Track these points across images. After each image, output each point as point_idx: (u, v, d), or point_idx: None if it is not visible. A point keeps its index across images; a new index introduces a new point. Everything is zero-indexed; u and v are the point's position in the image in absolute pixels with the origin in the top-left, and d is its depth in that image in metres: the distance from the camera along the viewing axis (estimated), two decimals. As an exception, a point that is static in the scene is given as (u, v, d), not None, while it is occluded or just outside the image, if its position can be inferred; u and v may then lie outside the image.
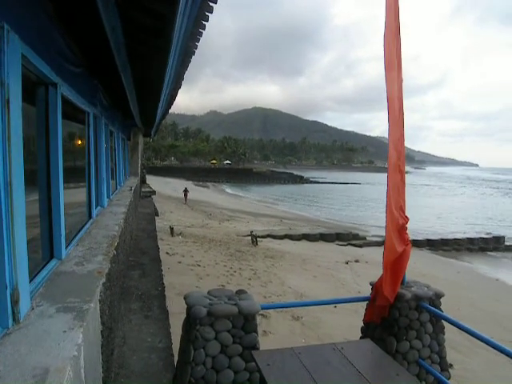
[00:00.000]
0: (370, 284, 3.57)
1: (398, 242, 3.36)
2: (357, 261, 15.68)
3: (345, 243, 20.95)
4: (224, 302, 2.97)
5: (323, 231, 22.74)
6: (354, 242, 21.26)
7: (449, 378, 3.46)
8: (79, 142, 4.62)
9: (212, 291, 3.17)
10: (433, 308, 3.41)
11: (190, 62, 5.15)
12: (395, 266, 3.36)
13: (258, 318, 7.82)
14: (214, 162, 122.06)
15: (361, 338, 3.68)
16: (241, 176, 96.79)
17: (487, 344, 2.55)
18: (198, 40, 4.25)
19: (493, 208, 50.41)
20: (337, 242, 21.15)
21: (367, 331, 3.71)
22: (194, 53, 4.72)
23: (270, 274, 11.96)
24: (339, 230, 23.48)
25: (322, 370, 2.56)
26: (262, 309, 3.11)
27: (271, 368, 2.53)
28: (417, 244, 22.16)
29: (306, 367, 2.57)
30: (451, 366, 7.09)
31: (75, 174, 4.39)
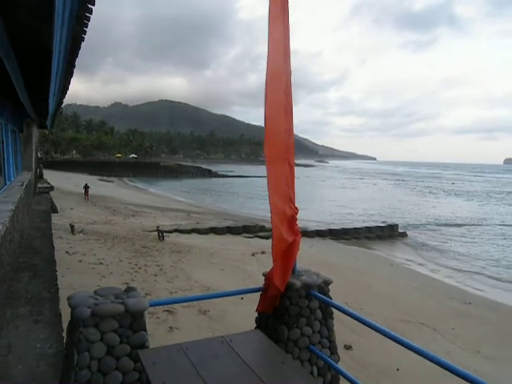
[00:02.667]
0: (263, 275, 3.63)
1: (288, 232, 3.43)
2: (263, 252, 16.00)
3: (252, 235, 21.30)
4: (110, 301, 2.83)
5: (230, 224, 22.92)
6: (260, 233, 21.69)
7: (338, 361, 3.63)
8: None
9: (98, 290, 3.01)
10: (321, 295, 3.54)
11: (80, 48, 4.86)
12: (285, 256, 3.43)
13: (164, 315, 7.69)
14: (118, 155, 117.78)
15: (255, 328, 3.73)
16: (147, 170, 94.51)
17: (368, 326, 2.69)
18: (86, 25, 4.01)
19: (388, 198, 54.18)
20: (244, 235, 21.44)
21: (261, 321, 3.77)
22: (83, 38, 4.45)
23: (176, 269, 11.81)
24: (246, 222, 23.82)
25: (209, 365, 2.54)
26: (151, 306, 3.01)
27: (157, 367, 2.46)
28: (320, 234, 23.21)
29: (192, 363, 2.53)
30: (350, 347, 7.53)
31: None
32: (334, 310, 3.67)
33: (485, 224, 33.99)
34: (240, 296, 7.83)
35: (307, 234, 22.38)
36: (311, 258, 15.55)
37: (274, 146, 3.45)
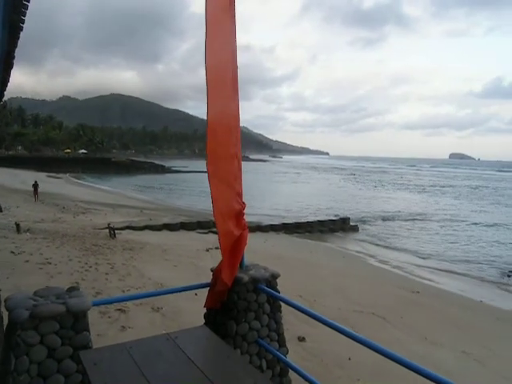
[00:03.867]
0: (211, 270, 3.60)
1: (235, 227, 3.42)
2: (217, 247, 15.71)
3: (206, 231, 21.17)
4: (51, 302, 2.72)
5: (184, 220, 22.71)
6: (214, 229, 21.45)
7: (286, 353, 3.66)
8: None
9: (39, 291, 2.88)
10: (269, 289, 3.56)
11: (19, 38, 4.62)
12: (233, 250, 3.42)
13: (116, 314, 7.51)
14: (68, 151, 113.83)
15: (204, 324, 3.70)
16: (98, 166, 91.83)
17: (314, 318, 2.73)
18: (24, 13, 3.82)
19: (340, 192, 55.31)
20: (198, 230, 21.29)
21: (209, 317, 3.75)
22: (21, 28, 4.24)
23: (128, 267, 11.57)
24: (200, 218, 23.65)
25: (153, 363, 2.49)
26: (95, 305, 2.92)
27: (98, 367, 2.39)
28: (274, 228, 23.37)
29: (136, 362, 2.48)
30: (304, 339, 7.63)
31: None
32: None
33: (431, 216, 35.37)
34: (194, 292, 7.78)
35: (261, 228, 22.51)
36: (265, 253, 15.65)
37: (220, 141, 3.42)
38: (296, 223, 24.61)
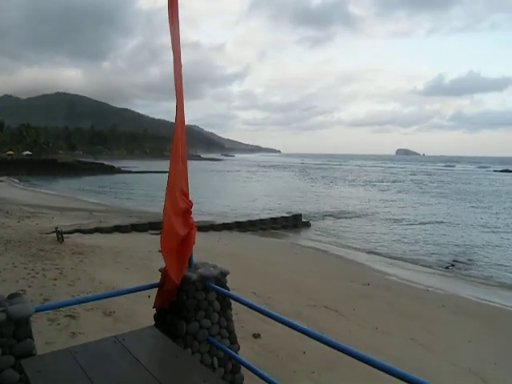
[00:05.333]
0: (160, 270, 3.56)
1: (182, 226, 3.40)
2: (171, 248, 15.73)
3: (158, 232, 20.79)
4: (-10, 310, 2.60)
5: (135, 221, 22.29)
6: (167, 229, 21.26)
7: (238, 350, 3.68)
8: None
9: (-23, 300, 2.75)
10: (218, 287, 3.56)
11: None
12: (180, 249, 3.40)
13: (66, 320, 7.27)
14: (10, 152, 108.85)
15: (154, 325, 3.66)
16: (44, 168, 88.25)
17: (263, 314, 2.76)
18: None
19: (292, 189, 55.95)
20: (150, 232, 20.96)
21: (159, 318, 3.71)
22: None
23: (78, 272, 11.22)
24: (152, 219, 23.26)
25: (99, 366, 2.44)
26: (38, 311, 2.82)
27: (42, 374, 2.31)
28: (227, 227, 23.35)
29: (81, 366, 2.42)
30: (259, 336, 7.68)
31: None
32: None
33: (380, 211, 36.47)
34: (147, 294, 7.65)
35: (214, 227, 22.44)
36: (219, 252, 15.62)
37: (175, 139, 3.40)
38: (249, 221, 24.68)
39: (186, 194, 3.43)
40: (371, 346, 7.48)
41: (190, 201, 3.46)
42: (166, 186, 3.31)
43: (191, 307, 3.51)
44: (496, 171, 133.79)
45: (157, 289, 3.58)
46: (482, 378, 6.89)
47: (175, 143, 3.33)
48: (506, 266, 18.32)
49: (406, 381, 2.11)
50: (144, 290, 3.61)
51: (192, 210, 3.45)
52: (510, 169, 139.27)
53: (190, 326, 3.47)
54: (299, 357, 6.68)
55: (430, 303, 11.59)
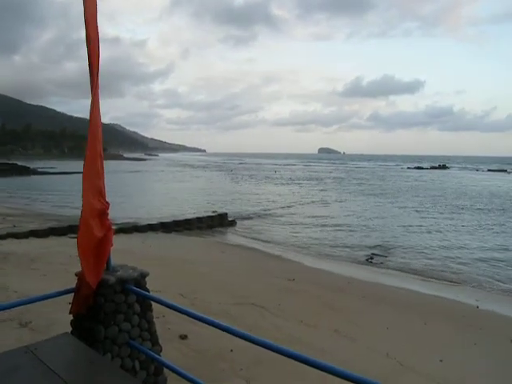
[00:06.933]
0: (76, 274, 3.41)
1: (98, 227, 3.28)
2: (92, 252, 15.09)
3: (79, 235, 19.96)
4: None
5: (54, 225, 21.16)
6: (88, 232, 20.40)
7: (160, 351, 3.61)
8: None
9: None
10: (137, 289, 3.48)
11: None
12: (97, 252, 3.28)
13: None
14: None
15: (71, 331, 3.49)
16: None
17: (184, 314, 2.73)
18: None
19: (217, 188, 55.94)
20: (70, 235, 19.97)
21: (76, 324, 3.56)
22: None
23: (-12, 281, 10.44)
24: (72, 222, 22.20)
25: (8, 379, 2.28)
26: None
27: None
28: (152, 228, 22.83)
29: None
30: (186, 337, 7.59)
31: None
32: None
33: (303, 207, 37.54)
34: (68, 301, 7.28)
35: (138, 229, 21.89)
36: (144, 254, 15.26)
37: (95, 140, 3.25)
38: (174, 221, 24.32)
39: (102, 195, 3.30)
40: (297, 339, 7.68)
41: (106, 202, 3.33)
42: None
43: (109, 311, 3.39)
44: (410, 168, 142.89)
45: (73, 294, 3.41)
46: (399, 361, 7.30)
47: (91, 141, 3.19)
48: (419, 254, 19.63)
49: (325, 371, 2.20)
50: (59, 295, 3.43)
51: (109, 211, 3.32)
52: (421, 166, 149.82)
53: (108, 330, 3.35)
54: (227, 355, 6.70)
55: (352, 295, 12.09)
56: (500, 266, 17.70)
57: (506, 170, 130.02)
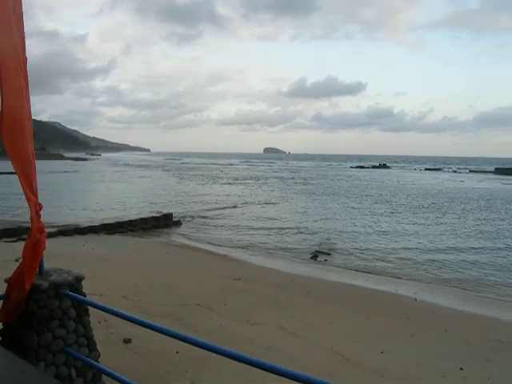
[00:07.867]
0: (5, 280, 3.24)
1: (34, 229, 3.13)
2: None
3: (14, 239, 18.97)
4: None
5: (-13, 229, 20.02)
6: (25, 236, 19.42)
7: (98, 357, 3.51)
8: None
9: None
10: (72, 293, 3.36)
11: None
12: (29, 256, 3.13)
13: None
14: None
15: (1, 341, 3.32)
16: None
17: (121, 317, 2.66)
18: None
19: (162, 189, 55.00)
20: (4, 239, 18.98)
21: (6, 332, 3.37)
22: None
23: None
24: (6, 225, 21.14)
25: None
26: None
27: None
28: (94, 230, 22.12)
29: None
30: (130, 340, 7.41)
31: None
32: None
33: (248, 206, 37.75)
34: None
35: (79, 231, 21.16)
36: (85, 257, 14.78)
37: (18, 137, 3.06)
38: (117, 222, 23.69)
39: (35, 195, 3.14)
40: (243, 338, 7.71)
41: (39, 203, 3.18)
42: (18, 188, 3.01)
43: (42, 317, 3.24)
44: (352, 167, 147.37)
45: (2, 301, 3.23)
46: (342, 355, 7.50)
47: (20, 139, 3.02)
48: (362, 250, 20.26)
49: (268, 370, 2.22)
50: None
51: (41, 212, 3.17)
52: (363, 165, 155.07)
53: (42, 337, 3.20)
54: (172, 357, 6.62)
55: (296, 292, 12.28)
56: (435, 260, 18.63)
57: (441, 169, 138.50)
